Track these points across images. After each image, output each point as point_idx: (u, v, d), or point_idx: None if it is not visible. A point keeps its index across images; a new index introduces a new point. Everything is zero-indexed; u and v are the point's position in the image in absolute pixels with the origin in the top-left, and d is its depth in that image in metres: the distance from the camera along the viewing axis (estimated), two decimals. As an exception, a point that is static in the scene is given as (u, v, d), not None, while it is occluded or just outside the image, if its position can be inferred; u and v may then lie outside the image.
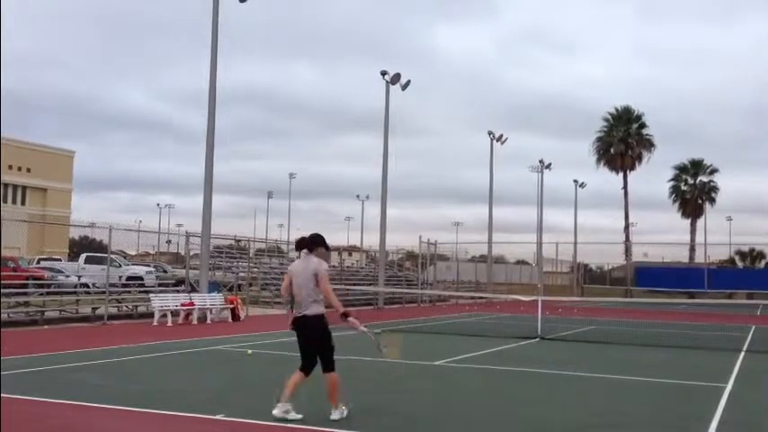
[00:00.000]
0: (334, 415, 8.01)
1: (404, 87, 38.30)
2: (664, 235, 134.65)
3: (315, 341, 8.02)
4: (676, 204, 67.87)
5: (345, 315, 7.97)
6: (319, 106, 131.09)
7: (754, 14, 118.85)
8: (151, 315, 21.82)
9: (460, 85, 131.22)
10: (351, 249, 71.65)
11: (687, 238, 65.91)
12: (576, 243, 59.07)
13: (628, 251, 61.96)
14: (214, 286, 26.47)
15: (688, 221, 67.19)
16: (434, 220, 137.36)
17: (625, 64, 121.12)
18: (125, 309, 23.95)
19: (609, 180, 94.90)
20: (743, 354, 16.93)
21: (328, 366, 8.02)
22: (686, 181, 67.97)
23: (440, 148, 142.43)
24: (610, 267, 63.37)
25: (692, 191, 67.16)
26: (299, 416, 7.94)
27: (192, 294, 23.83)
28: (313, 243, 8.22)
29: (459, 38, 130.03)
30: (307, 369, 8.11)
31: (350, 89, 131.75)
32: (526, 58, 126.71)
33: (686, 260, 63.53)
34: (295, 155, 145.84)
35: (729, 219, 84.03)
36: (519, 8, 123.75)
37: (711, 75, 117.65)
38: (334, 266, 41.74)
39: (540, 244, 55.97)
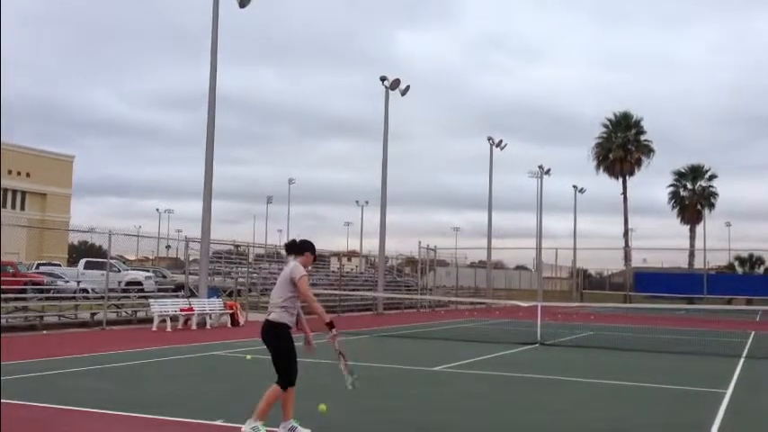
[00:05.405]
0: (246, 426, 7.26)
1: (403, 93, 38.41)
2: (663, 240, 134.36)
3: (269, 348, 7.37)
4: (675, 210, 67.89)
5: (330, 325, 7.22)
6: (301, 112, 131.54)
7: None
8: (150, 320, 21.80)
9: (435, 91, 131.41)
10: (350, 255, 71.59)
11: (686, 243, 65.90)
12: (575, 248, 59.13)
13: (627, 257, 61.92)
14: (213, 291, 26.45)
15: (687, 227, 67.20)
16: (425, 225, 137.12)
17: (599, 69, 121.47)
18: (124, 314, 23.90)
19: (607, 185, 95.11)
20: (742, 359, 16.93)
21: (278, 378, 7.25)
22: (685, 186, 67.97)
23: (423, 153, 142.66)
24: (609, 273, 63.35)
25: (692, 196, 67.16)
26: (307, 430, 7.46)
27: (191, 299, 23.81)
28: (301, 248, 7.65)
29: (426, 44, 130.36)
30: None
31: (336, 94, 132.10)
32: (502, 64, 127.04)
33: (685, 266, 63.52)
34: (282, 161, 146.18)
35: (728, 224, 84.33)
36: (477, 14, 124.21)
37: (686, 80, 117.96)
38: (333, 272, 41.77)
39: (539, 249, 56.00)
